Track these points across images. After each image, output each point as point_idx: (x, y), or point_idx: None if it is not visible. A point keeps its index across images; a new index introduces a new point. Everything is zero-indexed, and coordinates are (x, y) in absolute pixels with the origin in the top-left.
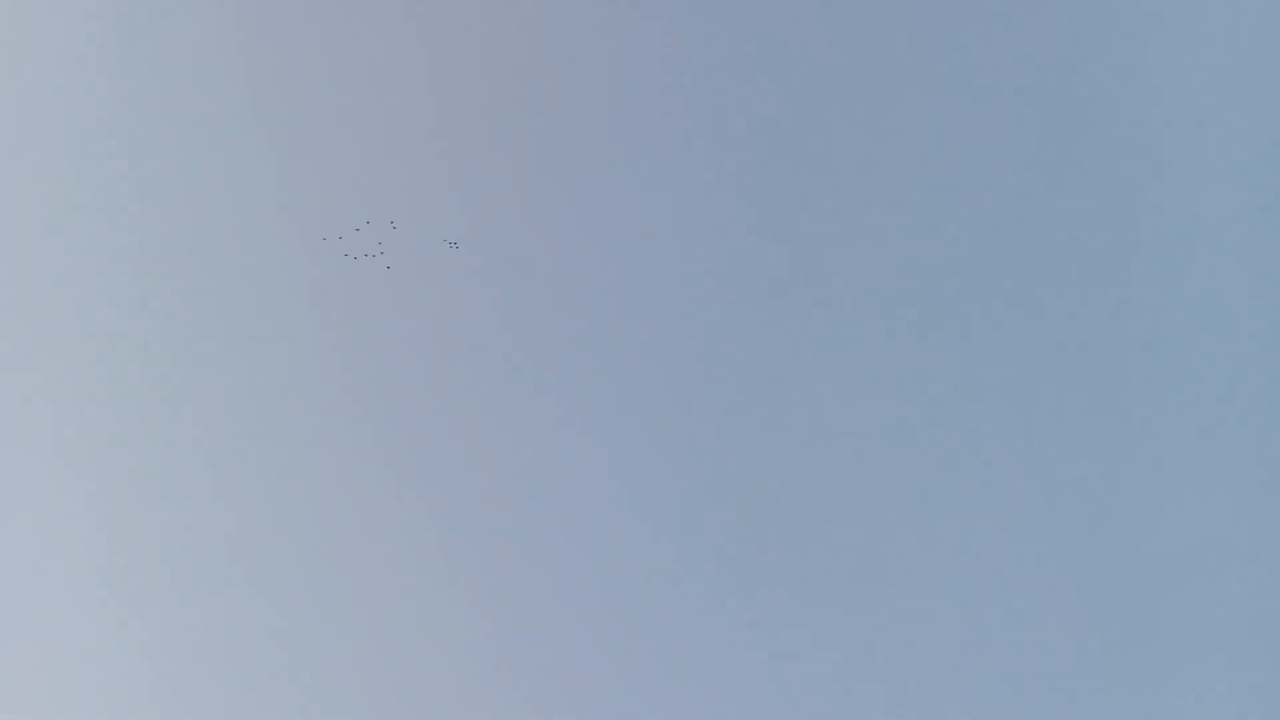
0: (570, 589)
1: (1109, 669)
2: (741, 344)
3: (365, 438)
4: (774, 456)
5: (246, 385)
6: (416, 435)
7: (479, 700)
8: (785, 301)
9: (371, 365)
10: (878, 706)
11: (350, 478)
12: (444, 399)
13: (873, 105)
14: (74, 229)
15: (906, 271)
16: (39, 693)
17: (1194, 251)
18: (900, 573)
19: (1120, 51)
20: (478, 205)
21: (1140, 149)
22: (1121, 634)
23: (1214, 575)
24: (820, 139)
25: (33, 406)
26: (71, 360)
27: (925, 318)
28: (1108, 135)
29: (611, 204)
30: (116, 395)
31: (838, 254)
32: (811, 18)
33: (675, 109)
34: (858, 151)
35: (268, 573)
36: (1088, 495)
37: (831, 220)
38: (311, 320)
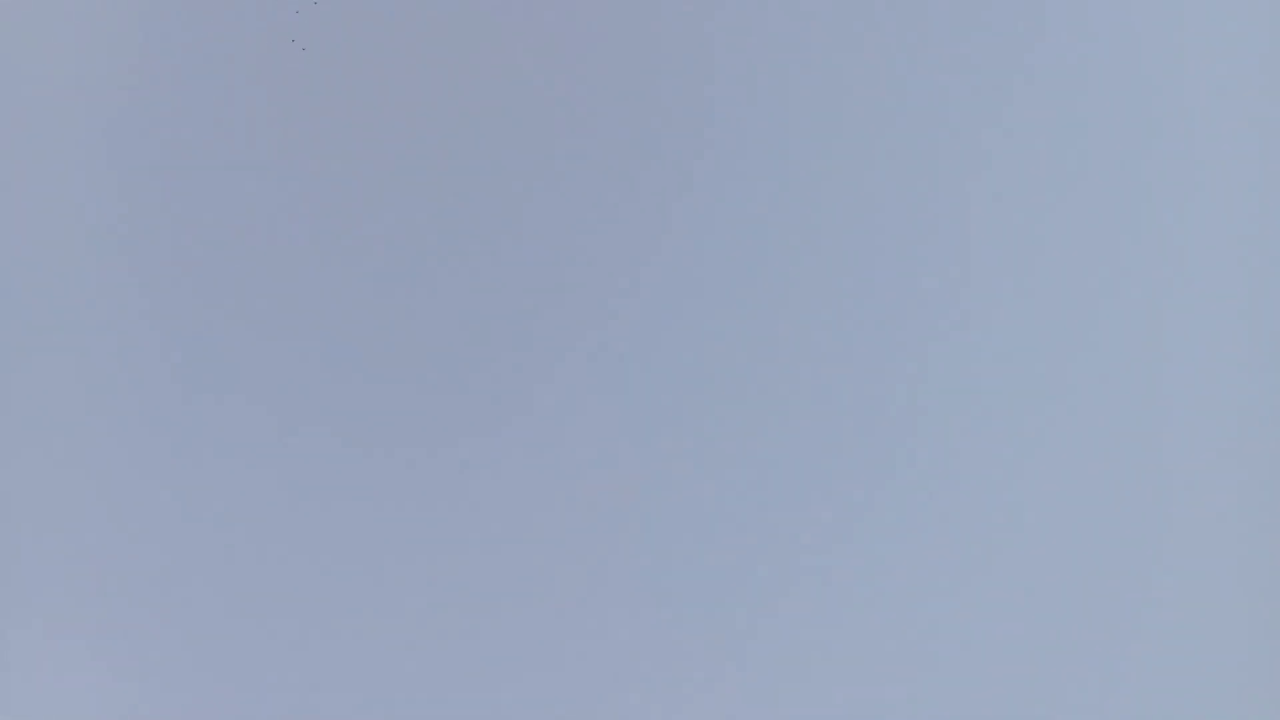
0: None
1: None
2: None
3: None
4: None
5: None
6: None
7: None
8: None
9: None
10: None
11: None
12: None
13: (871, 104)
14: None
15: (906, 273)
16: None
17: (1193, 250)
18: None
19: (1119, 51)
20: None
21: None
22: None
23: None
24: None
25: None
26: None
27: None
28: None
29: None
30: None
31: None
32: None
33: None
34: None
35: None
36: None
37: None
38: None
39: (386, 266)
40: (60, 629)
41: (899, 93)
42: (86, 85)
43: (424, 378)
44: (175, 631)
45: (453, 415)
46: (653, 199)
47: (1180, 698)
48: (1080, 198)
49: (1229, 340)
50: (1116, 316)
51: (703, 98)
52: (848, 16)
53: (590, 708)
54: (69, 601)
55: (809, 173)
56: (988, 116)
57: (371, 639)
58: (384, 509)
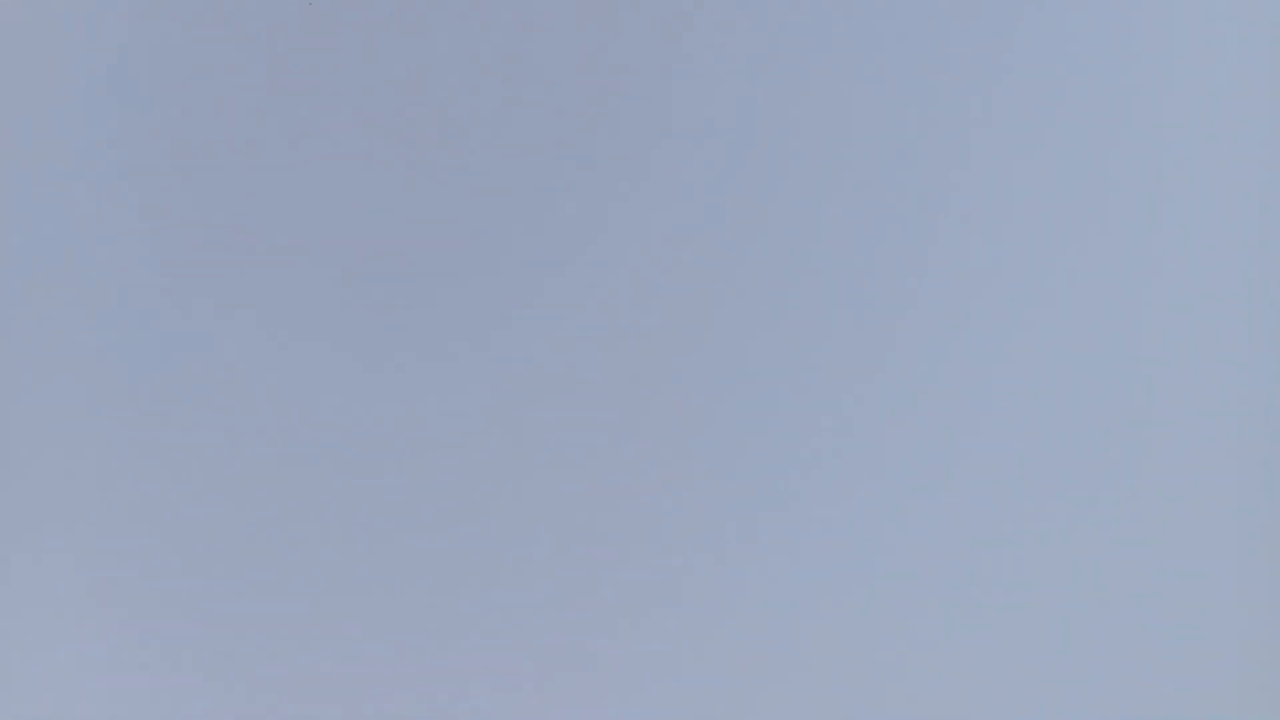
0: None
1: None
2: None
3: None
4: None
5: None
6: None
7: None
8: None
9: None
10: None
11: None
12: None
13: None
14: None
15: (904, 272)
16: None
17: (1193, 249)
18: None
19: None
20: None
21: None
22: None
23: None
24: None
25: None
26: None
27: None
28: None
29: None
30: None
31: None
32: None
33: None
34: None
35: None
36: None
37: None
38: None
39: (380, 266)
40: (60, 629)
41: (900, 92)
42: (78, 75)
43: (421, 376)
44: (175, 632)
45: (450, 413)
46: (650, 197)
47: (1180, 698)
48: (1079, 196)
49: (1229, 340)
50: (1115, 316)
51: (707, 93)
52: (844, 14)
53: (588, 706)
54: (68, 601)
55: (807, 172)
56: (982, 117)
57: (368, 640)
58: (380, 509)
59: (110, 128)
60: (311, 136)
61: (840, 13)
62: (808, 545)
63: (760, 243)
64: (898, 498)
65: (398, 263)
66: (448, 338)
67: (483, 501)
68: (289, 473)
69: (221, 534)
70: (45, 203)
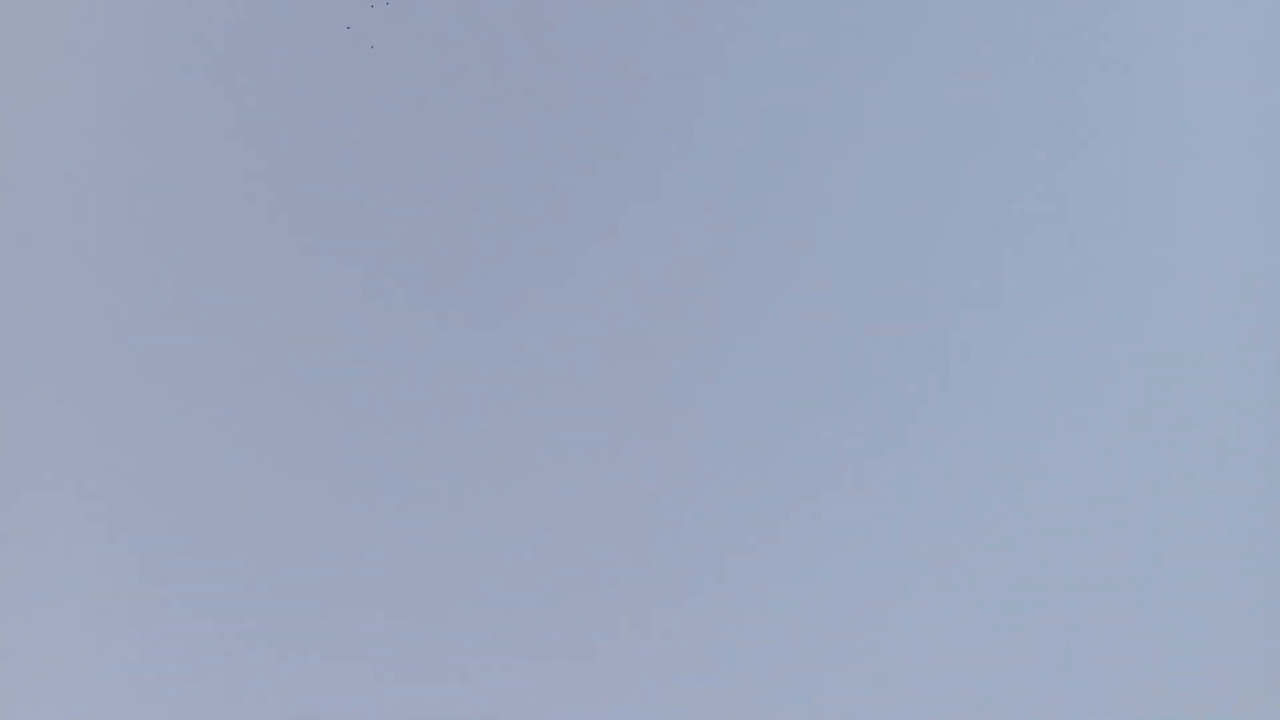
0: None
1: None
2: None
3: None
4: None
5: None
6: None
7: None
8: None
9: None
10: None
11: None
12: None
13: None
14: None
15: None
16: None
17: (1193, 250)
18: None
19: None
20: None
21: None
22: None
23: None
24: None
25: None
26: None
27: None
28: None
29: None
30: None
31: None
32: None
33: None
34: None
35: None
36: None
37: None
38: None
39: (382, 266)
40: (61, 628)
41: (900, 92)
42: (86, 83)
43: (422, 375)
44: (173, 631)
45: (454, 413)
46: (654, 197)
47: (1180, 698)
48: (1080, 196)
49: (1229, 341)
50: (1116, 317)
51: (718, 95)
52: (845, 17)
53: (589, 706)
54: (69, 601)
55: (808, 172)
56: (985, 119)
57: (366, 641)
58: (379, 510)
59: (111, 126)
60: (314, 136)
61: (840, 13)
62: (810, 545)
63: (763, 242)
64: (897, 497)
65: (399, 263)
66: (451, 338)
67: (484, 501)
68: (290, 472)
69: (221, 534)
70: (47, 203)
